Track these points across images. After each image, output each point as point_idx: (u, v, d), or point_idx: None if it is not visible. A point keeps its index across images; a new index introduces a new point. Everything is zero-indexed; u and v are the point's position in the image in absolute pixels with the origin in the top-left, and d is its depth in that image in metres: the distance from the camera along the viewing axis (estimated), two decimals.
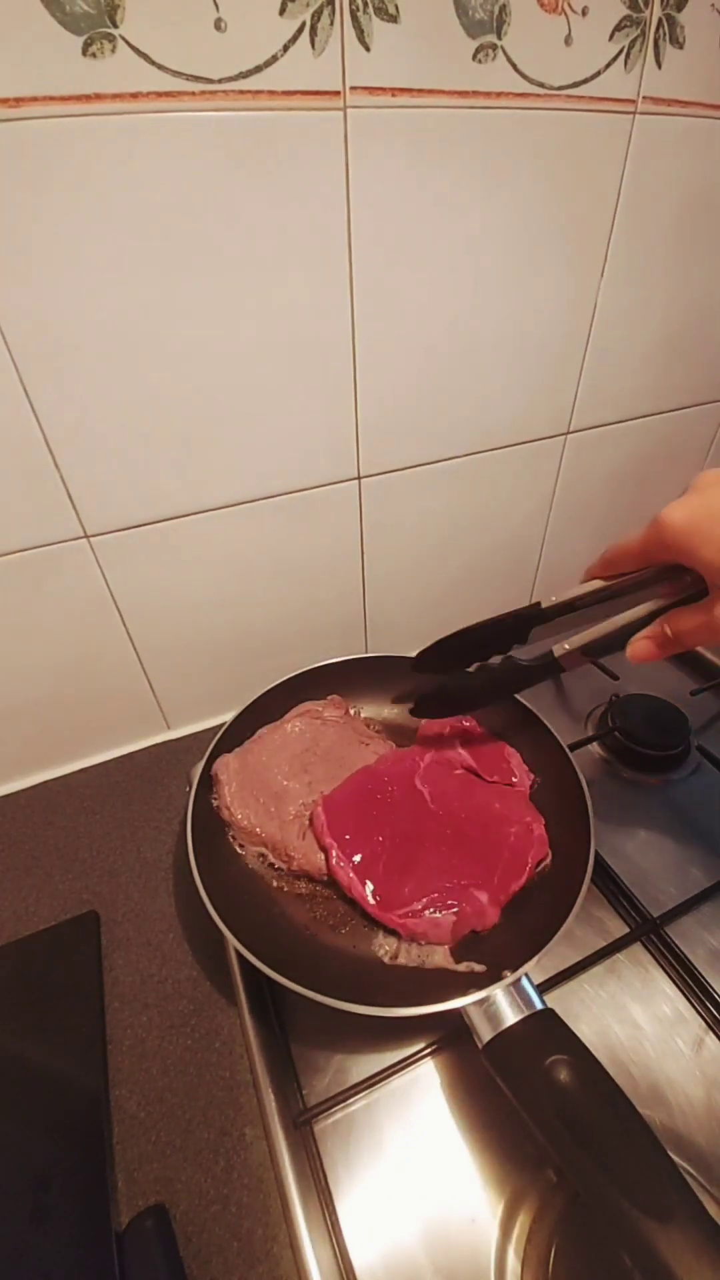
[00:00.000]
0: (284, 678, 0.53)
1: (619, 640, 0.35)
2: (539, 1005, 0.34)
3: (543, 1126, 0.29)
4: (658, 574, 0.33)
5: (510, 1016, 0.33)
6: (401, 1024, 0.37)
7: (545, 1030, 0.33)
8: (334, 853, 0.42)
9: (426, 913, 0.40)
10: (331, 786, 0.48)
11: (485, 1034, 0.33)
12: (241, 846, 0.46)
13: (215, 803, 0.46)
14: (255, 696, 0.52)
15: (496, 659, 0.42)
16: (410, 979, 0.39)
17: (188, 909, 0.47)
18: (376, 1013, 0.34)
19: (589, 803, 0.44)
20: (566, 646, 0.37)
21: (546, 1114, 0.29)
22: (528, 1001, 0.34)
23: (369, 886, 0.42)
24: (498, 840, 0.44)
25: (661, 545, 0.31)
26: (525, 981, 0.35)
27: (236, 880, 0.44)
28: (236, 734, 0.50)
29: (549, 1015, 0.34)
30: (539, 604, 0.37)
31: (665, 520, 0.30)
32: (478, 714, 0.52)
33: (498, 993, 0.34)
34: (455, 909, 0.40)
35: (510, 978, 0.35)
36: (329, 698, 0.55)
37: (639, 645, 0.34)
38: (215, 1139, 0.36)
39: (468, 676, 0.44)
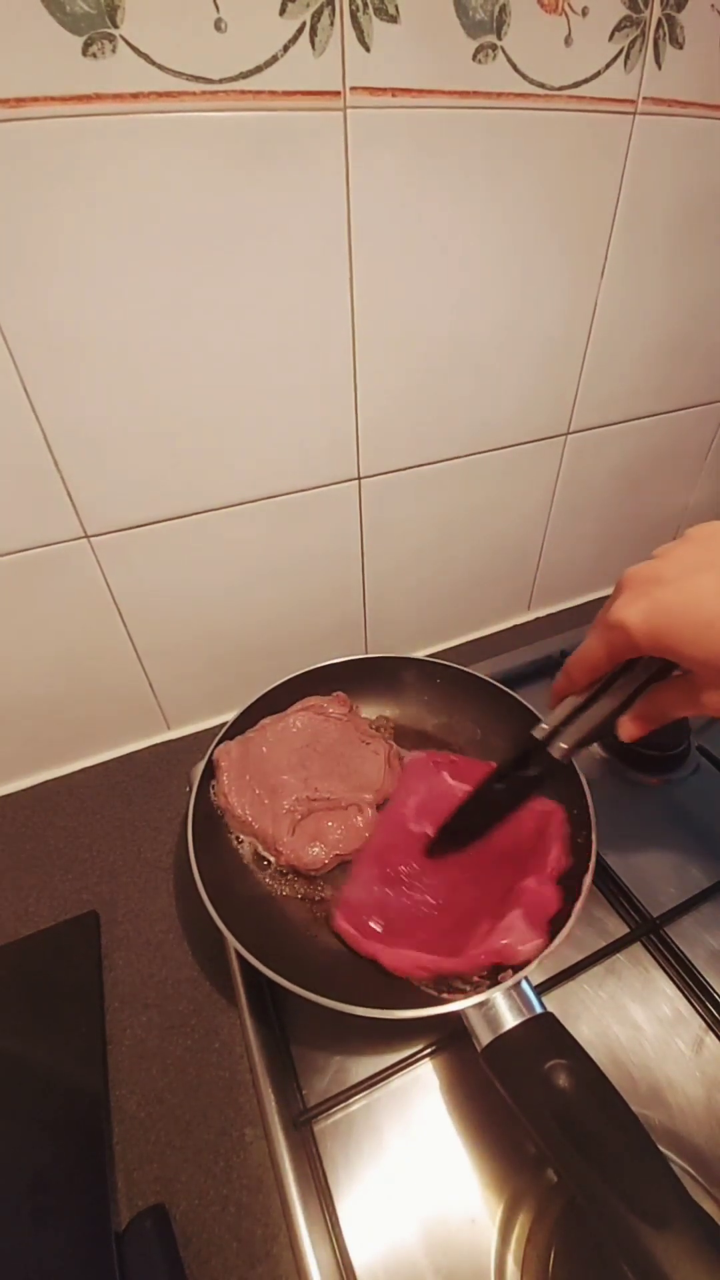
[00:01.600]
0: (284, 679, 0.53)
1: (608, 727, 0.36)
2: (539, 1009, 0.34)
3: (541, 1131, 0.29)
4: (622, 666, 0.34)
5: (509, 1020, 0.33)
6: (401, 1025, 0.37)
7: (544, 1034, 0.33)
8: (383, 954, 0.39)
9: (504, 939, 0.38)
10: (328, 783, 0.48)
11: (484, 1037, 0.33)
12: (240, 841, 0.46)
13: (213, 789, 0.46)
14: (255, 698, 0.52)
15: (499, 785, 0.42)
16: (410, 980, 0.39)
17: (188, 909, 0.47)
18: (376, 1015, 0.34)
19: (590, 804, 0.44)
20: (564, 746, 0.37)
21: (545, 1118, 0.29)
22: (527, 1005, 0.34)
23: (434, 959, 0.38)
24: (521, 834, 0.44)
25: (631, 648, 0.30)
26: (525, 984, 0.35)
27: (237, 881, 0.44)
28: (237, 735, 0.50)
29: (548, 1019, 0.33)
30: (533, 736, 0.38)
31: (628, 625, 0.30)
32: (455, 738, 0.54)
33: (497, 996, 0.34)
34: (521, 914, 0.39)
35: (509, 981, 0.35)
36: (334, 694, 0.54)
37: (628, 727, 0.34)
38: (215, 1139, 0.36)
39: (479, 801, 0.43)
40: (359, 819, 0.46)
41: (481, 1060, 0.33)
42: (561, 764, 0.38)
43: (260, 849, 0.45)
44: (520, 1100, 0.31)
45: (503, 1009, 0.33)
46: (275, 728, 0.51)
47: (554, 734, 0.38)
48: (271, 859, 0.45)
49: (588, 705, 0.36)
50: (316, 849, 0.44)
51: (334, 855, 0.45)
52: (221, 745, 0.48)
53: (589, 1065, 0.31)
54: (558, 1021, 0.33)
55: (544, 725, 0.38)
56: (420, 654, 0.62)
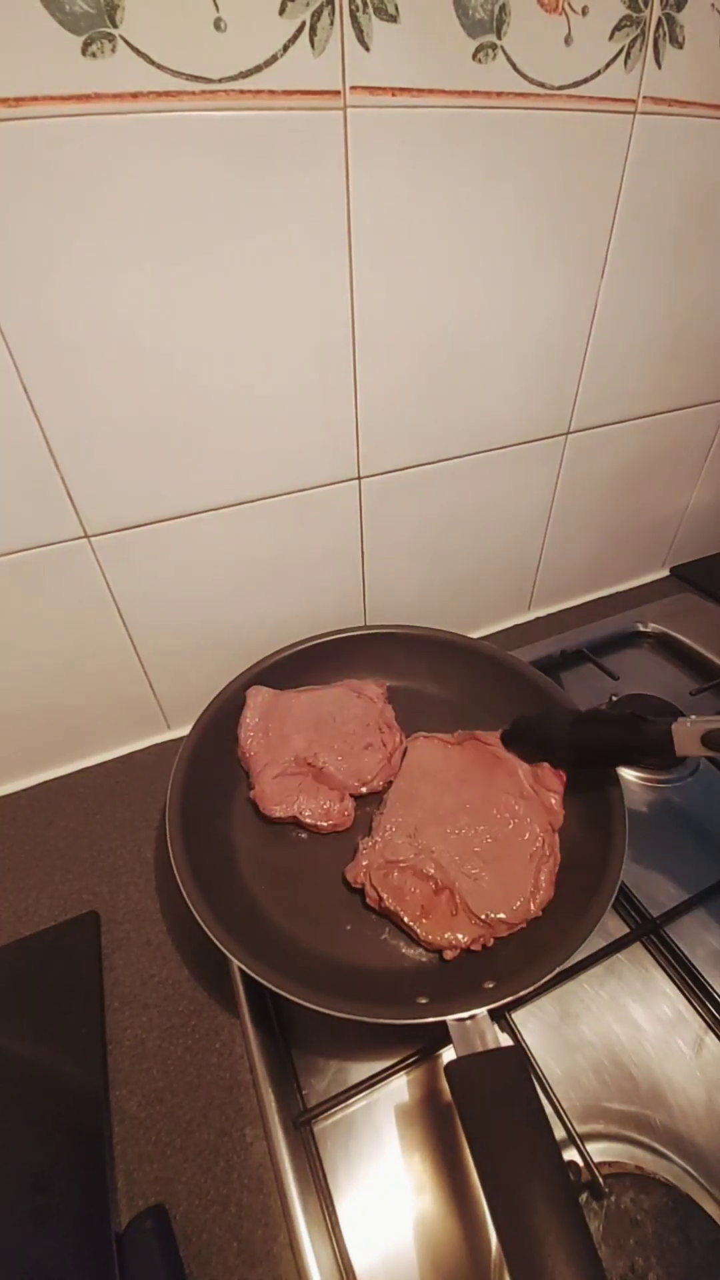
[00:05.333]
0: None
1: None
2: (507, 1041, 0.34)
3: (474, 1153, 0.29)
4: None
5: (480, 1043, 0.33)
6: (401, 1026, 0.37)
7: (505, 1066, 0.32)
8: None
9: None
10: (329, 756, 0.50)
11: (456, 1051, 0.33)
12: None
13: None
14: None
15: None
16: (407, 984, 0.39)
17: (187, 909, 0.47)
18: (373, 1020, 0.34)
19: (625, 843, 0.42)
20: (702, 728, 0.34)
21: (479, 1146, 0.29)
22: (503, 1034, 0.34)
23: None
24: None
25: None
26: (495, 1018, 0.35)
27: (230, 890, 0.44)
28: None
29: (515, 1052, 0.33)
30: (675, 708, 0.36)
31: None
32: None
33: (481, 1014, 0.34)
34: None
35: (497, 1003, 0.34)
36: (374, 680, 0.57)
37: None
38: (215, 1139, 0.36)
39: (571, 722, 0.44)
40: (334, 805, 0.48)
41: (444, 1073, 0.33)
42: (670, 750, 0.35)
43: (250, 779, 0.50)
44: (464, 1118, 0.31)
45: (482, 1030, 0.33)
46: (311, 693, 0.55)
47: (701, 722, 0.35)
48: (250, 790, 0.50)
49: None
50: (279, 807, 0.48)
51: (290, 816, 0.48)
52: (255, 687, 0.54)
53: (535, 1107, 0.31)
54: (524, 1056, 0.33)
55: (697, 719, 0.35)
56: None
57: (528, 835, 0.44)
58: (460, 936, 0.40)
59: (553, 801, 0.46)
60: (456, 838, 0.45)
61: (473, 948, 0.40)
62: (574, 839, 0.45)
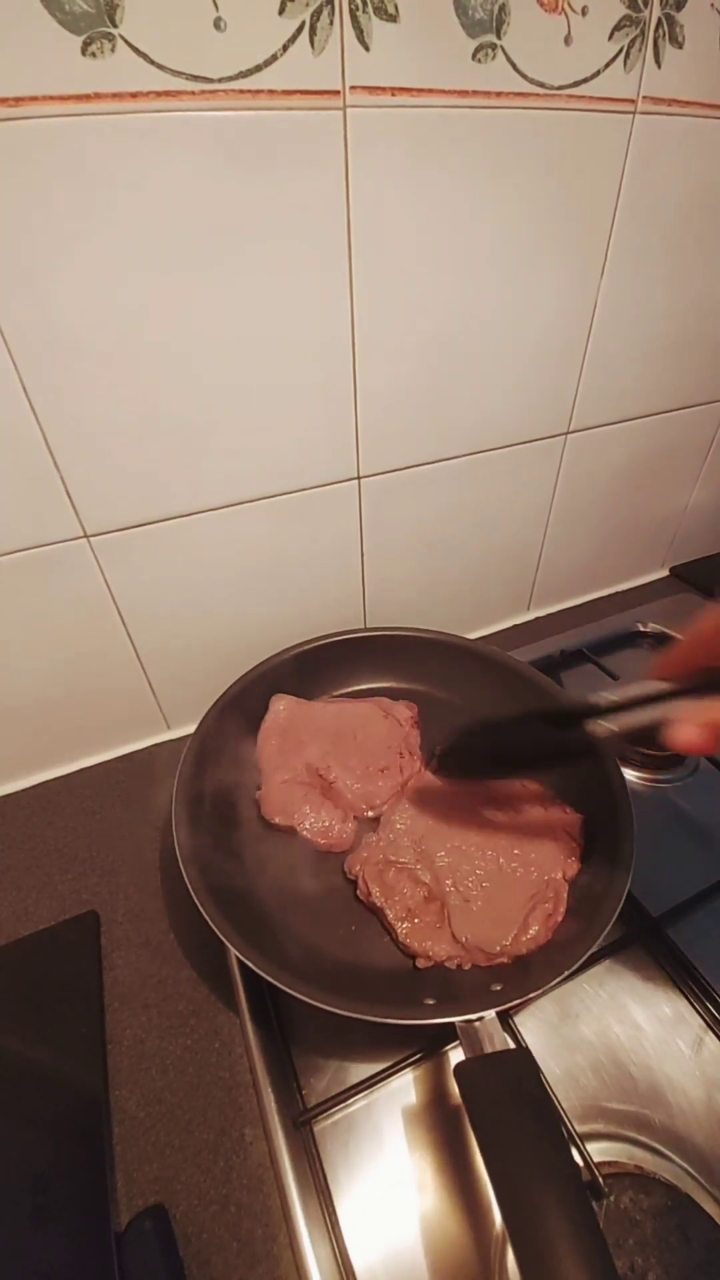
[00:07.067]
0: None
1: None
2: (514, 1044, 0.33)
3: (484, 1154, 0.29)
4: None
5: (489, 1045, 0.33)
6: (405, 1027, 0.37)
7: (515, 1068, 0.32)
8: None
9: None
10: (341, 774, 0.50)
11: (465, 1053, 0.33)
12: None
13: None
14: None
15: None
16: (413, 984, 0.39)
17: (188, 909, 0.47)
18: (382, 1020, 0.34)
19: (632, 850, 0.41)
20: (610, 727, 0.34)
21: (490, 1146, 0.29)
22: (510, 1036, 0.34)
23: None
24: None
25: None
26: (509, 1021, 0.35)
27: (235, 885, 0.44)
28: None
29: (524, 1054, 0.33)
30: (590, 701, 0.35)
31: None
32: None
33: (489, 1016, 0.34)
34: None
35: (491, 1011, 0.34)
36: (405, 702, 0.56)
37: (685, 730, 0.30)
38: (215, 1139, 0.36)
39: (499, 732, 0.42)
40: (338, 825, 0.47)
41: (454, 1073, 0.33)
42: (592, 744, 0.35)
43: (260, 785, 0.50)
44: (475, 1121, 0.30)
45: (490, 1032, 0.33)
46: (339, 705, 0.55)
47: (608, 710, 0.34)
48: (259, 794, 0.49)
49: (665, 698, 0.32)
50: (280, 815, 0.47)
51: (289, 826, 0.47)
52: (278, 695, 0.54)
53: (548, 1109, 0.30)
54: (532, 1059, 0.33)
55: (608, 695, 0.35)
56: None
57: (535, 876, 0.42)
58: (439, 950, 0.40)
59: (572, 853, 0.44)
60: (462, 855, 0.44)
61: (447, 964, 0.40)
62: (588, 869, 0.44)
